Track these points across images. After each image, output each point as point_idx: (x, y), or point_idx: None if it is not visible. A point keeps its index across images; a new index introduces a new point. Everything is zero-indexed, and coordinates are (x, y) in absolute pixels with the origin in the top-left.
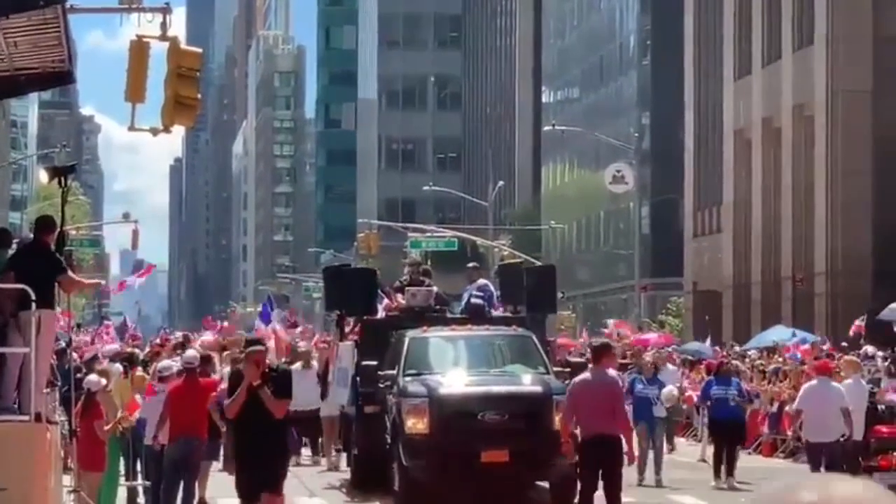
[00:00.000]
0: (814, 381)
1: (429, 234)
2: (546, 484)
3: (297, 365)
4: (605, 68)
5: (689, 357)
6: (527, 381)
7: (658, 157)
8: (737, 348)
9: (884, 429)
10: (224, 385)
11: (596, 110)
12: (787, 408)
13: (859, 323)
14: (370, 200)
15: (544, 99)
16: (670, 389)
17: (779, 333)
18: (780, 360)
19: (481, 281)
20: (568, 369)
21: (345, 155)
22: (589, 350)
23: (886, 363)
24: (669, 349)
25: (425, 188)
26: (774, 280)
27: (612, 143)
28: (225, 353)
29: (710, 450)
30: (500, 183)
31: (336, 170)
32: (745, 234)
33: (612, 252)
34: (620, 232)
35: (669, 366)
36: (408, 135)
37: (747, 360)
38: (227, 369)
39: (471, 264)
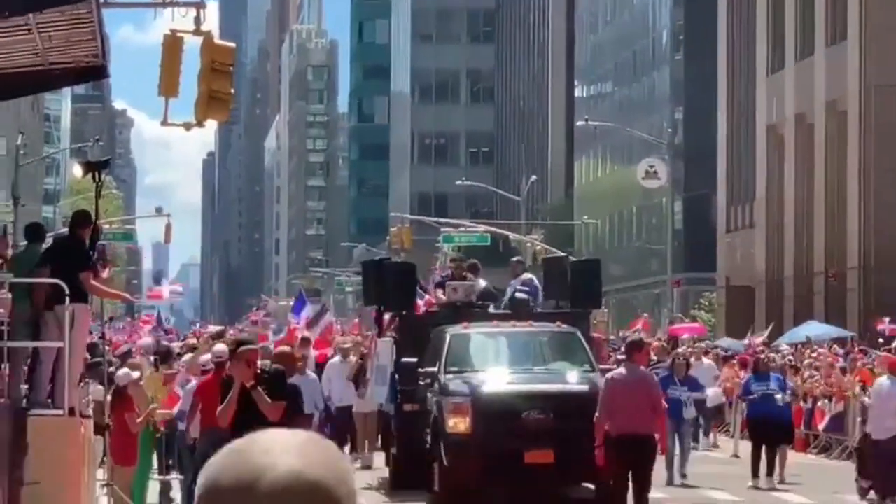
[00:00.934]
0: (884, 378)
1: (461, 229)
2: (591, 486)
3: (336, 359)
4: (638, 63)
5: (723, 352)
6: (572, 380)
7: (691, 152)
8: (759, 338)
9: None
10: None
11: (629, 105)
12: (819, 403)
13: (892, 326)
14: (403, 194)
15: (577, 94)
16: (715, 391)
17: (811, 329)
18: (813, 355)
19: (526, 275)
20: (614, 367)
21: (377, 149)
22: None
23: None
24: (703, 343)
25: (458, 182)
26: (807, 275)
27: (645, 139)
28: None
29: (742, 446)
30: (533, 177)
31: (369, 164)
32: (778, 230)
33: (645, 247)
34: (653, 227)
35: (705, 360)
36: (440, 129)
37: (779, 354)
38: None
39: (515, 258)
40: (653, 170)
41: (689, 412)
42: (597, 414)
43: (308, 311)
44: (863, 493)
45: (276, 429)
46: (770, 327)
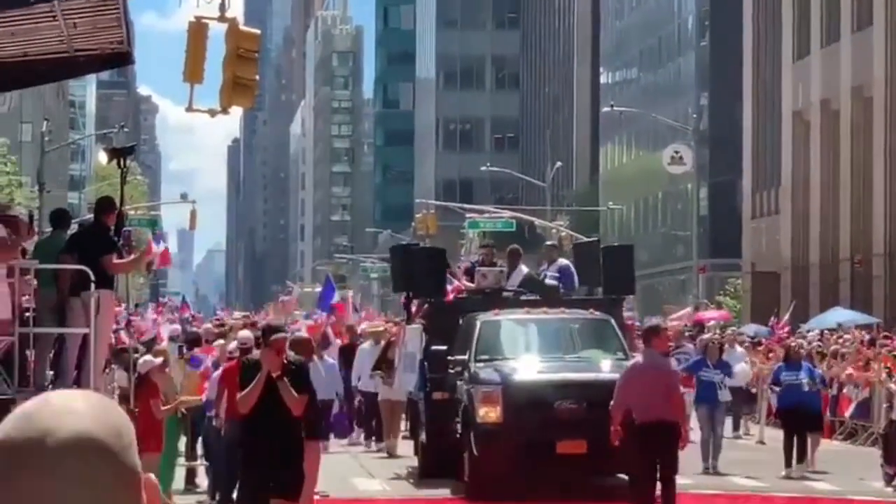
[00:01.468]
0: None
1: (486, 215)
2: (626, 477)
3: (367, 344)
4: (663, 49)
5: (748, 339)
6: (605, 368)
7: (716, 138)
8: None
9: None
10: None
11: (654, 91)
12: (844, 390)
13: None
14: (428, 181)
15: (602, 79)
16: (742, 367)
17: (837, 315)
18: (840, 341)
19: (562, 261)
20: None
21: (402, 135)
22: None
23: None
24: (731, 330)
25: (483, 168)
26: (832, 262)
27: (671, 124)
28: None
29: (767, 433)
30: (558, 163)
31: (394, 150)
32: (804, 216)
33: (671, 233)
34: (678, 213)
35: (738, 347)
36: (465, 115)
37: (804, 340)
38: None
39: (549, 243)
40: (678, 156)
41: (724, 395)
42: (612, 402)
43: (336, 297)
44: (888, 479)
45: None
46: (792, 306)
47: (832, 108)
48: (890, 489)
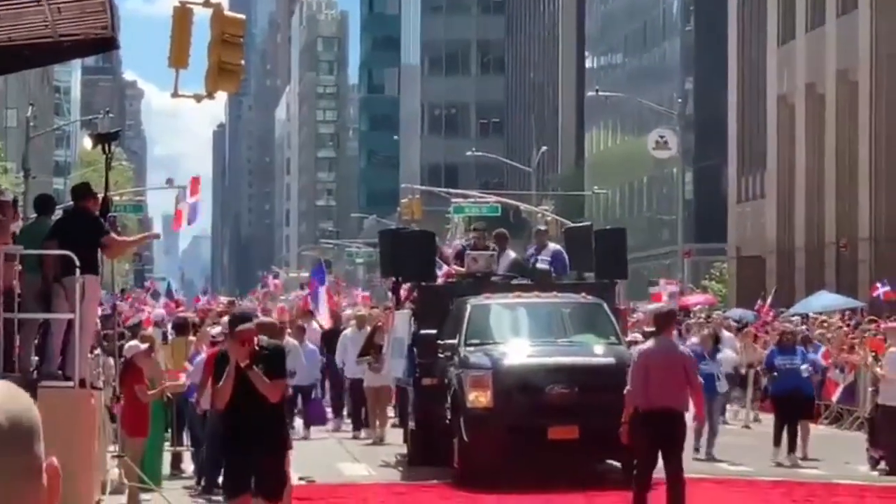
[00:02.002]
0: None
1: (472, 200)
2: (618, 463)
3: (349, 329)
4: (648, 33)
5: (734, 322)
6: (598, 352)
7: (701, 122)
8: (768, 307)
9: None
10: None
11: (639, 75)
12: (829, 374)
13: (886, 289)
14: (413, 166)
15: (588, 64)
16: (728, 353)
17: (822, 300)
18: (826, 325)
19: (553, 246)
20: (642, 340)
21: (388, 120)
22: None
23: None
24: (717, 314)
25: (468, 153)
26: (818, 246)
27: (656, 109)
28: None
29: (753, 417)
30: (544, 148)
31: (379, 135)
32: (789, 200)
33: (656, 217)
34: (664, 197)
35: (725, 332)
36: (451, 100)
37: (791, 325)
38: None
39: (541, 227)
40: (663, 140)
41: (722, 386)
42: (627, 387)
43: (328, 280)
44: (874, 463)
45: None
46: (773, 291)
47: (817, 93)
48: (875, 473)
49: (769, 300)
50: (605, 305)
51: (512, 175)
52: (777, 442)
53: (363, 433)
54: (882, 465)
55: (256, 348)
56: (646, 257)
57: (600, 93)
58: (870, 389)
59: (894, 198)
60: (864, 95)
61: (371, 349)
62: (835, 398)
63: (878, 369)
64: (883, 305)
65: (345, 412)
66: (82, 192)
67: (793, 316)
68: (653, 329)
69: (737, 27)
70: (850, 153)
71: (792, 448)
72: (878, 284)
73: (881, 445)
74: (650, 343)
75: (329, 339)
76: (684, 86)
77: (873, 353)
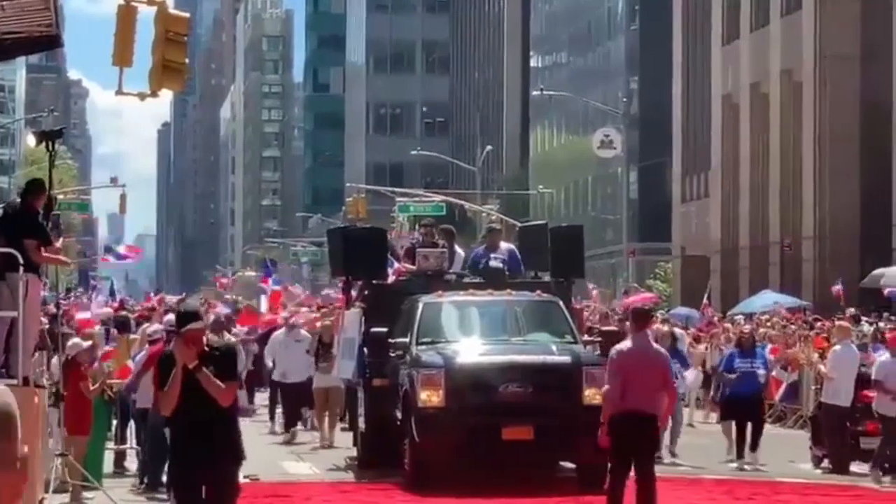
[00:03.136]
0: (886, 355)
1: (417, 199)
2: (572, 465)
3: (281, 332)
4: (593, 33)
5: (679, 323)
6: (553, 351)
7: (646, 121)
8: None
9: (871, 394)
10: None
11: (584, 75)
12: (773, 372)
13: (837, 287)
14: (358, 165)
15: (532, 63)
16: (695, 375)
17: (766, 298)
18: (769, 324)
19: (506, 245)
20: (599, 339)
21: (333, 119)
22: (629, 316)
23: (872, 329)
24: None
25: (413, 152)
26: (762, 245)
27: (601, 108)
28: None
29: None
30: (489, 147)
31: (324, 134)
32: (733, 200)
33: (601, 217)
34: (608, 197)
35: (676, 330)
36: (396, 99)
37: (734, 325)
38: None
39: (494, 226)
40: (608, 139)
41: (683, 385)
42: (606, 387)
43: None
44: (817, 461)
45: None
46: (708, 290)
47: (762, 92)
48: (819, 471)
49: (704, 300)
50: (561, 303)
51: (457, 174)
52: (740, 448)
53: (278, 428)
54: (825, 463)
55: (206, 349)
56: (590, 257)
57: (545, 92)
58: (813, 388)
59: (838, 197)
60: (808, 95)
61: (321, 348)
62: (778, 397)
63: (821, 367)
64: (835, 304)
65: (278, 411)
66: (34, 188)
67: (736, 315)
68: (613, 329)
69: (681, 26)
70: (795, 153)
71: (753, 447)
72: (840, 284)
73: (824, 444)
74: (627, 342)
75: (264, 340)
76: (629, 85)
77: (819, 352)
